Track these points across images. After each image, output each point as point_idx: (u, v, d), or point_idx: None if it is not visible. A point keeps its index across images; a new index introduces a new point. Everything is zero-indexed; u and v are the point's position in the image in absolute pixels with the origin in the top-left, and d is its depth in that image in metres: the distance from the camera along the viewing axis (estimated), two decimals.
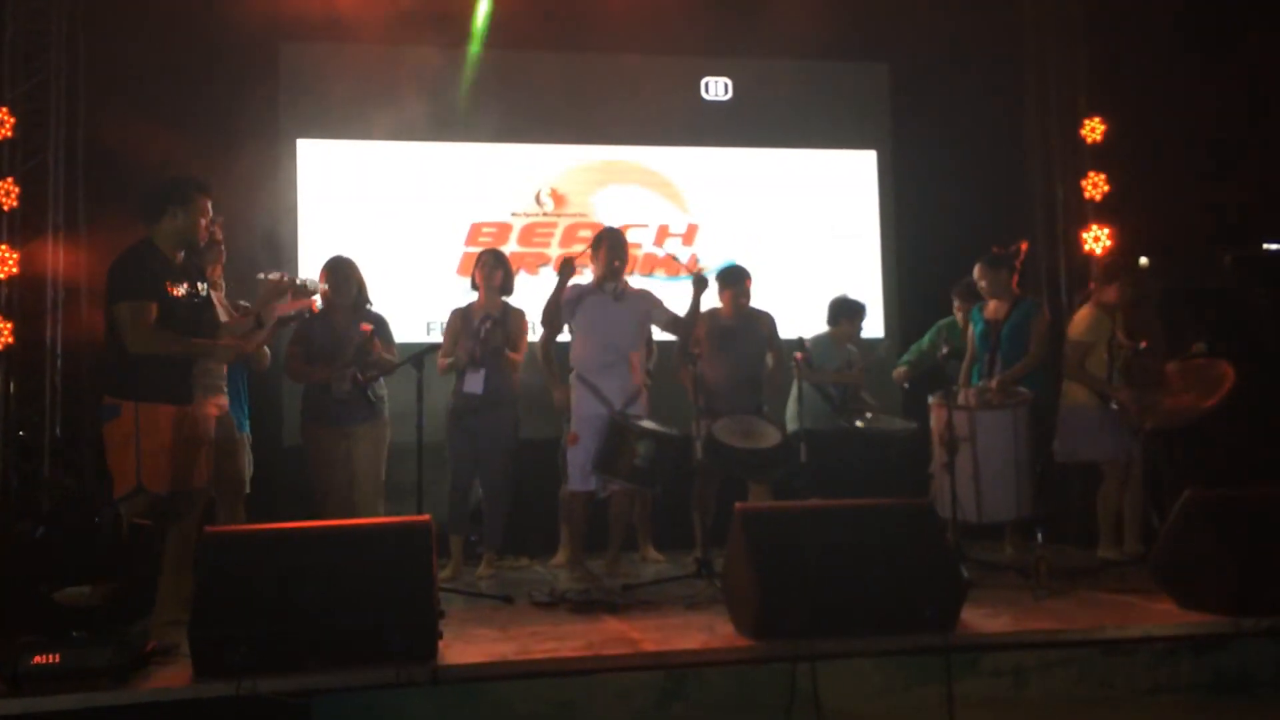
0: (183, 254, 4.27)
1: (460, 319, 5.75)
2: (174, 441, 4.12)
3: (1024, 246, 5.93)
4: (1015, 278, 5.86)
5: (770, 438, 5.52)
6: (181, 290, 4.19)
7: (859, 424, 5.98)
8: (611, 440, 5.16)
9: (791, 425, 6.20)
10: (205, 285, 4.35)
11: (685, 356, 5.48)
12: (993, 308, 5.81)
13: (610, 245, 5.48)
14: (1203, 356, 5.70)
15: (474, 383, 5.58)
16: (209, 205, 4.30)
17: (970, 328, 5.96)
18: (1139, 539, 5.71)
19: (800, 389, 6.15)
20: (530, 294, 6.45)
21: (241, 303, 5.00)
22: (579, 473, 5.34)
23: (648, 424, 5.22)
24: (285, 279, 4.60)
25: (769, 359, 6.01)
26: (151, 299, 4.08)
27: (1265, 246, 8.84)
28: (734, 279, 6.00)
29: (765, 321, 6.03)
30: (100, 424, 4.18)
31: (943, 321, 6.60)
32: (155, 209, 4.20)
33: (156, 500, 4.07)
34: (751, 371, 5.92)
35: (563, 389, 5.61)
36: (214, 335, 4.35)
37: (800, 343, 5.80)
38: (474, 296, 5.84)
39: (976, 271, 5.87)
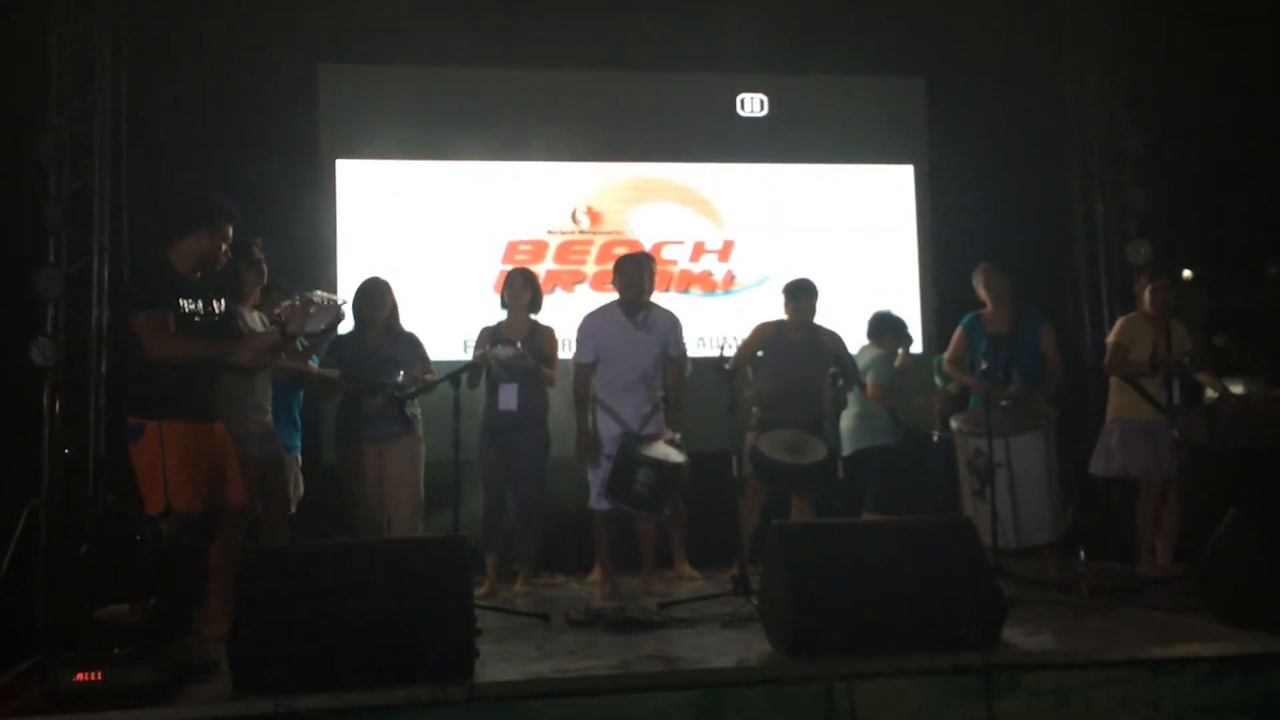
0: (199, 274, 4.29)
1: (490, 338, 5.78)
2: (200, 459, 4.13)
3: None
4: None
5: (816, 453, 5.50)
6: (197, 306, 4.20)
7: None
8: (617, 467, 5.27)
9: (849, 447, 6.16)
10: (224, 303, 4.36)
11: (722, 373, 5.46)
12: (996, 319, 5.77)
13: (626, 274, 5.59)
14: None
15: (508, 400, 5.62)
16: (231, 231, 4.32)
17: (964, 343, 5.86)
18: (1172, 556, 5.68)
19: (861, 408, 6.15)
20: (567, 311, 6.48)
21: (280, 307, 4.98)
22: (598, 492, 5.46)
23: (649, 451, 5.27)
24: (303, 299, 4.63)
25: (832, 372, 5.94)
26: (168, 309, 4.09)
27: None
28: (800, 292, 5.94)
29: (831, 339, 5.99)
30: (127, 445, 4.17)
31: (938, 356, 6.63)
32: (180, 227, 4.22)
33: (189, 520, 4.07)
34: (812, 386, 5.83)
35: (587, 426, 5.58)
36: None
37: (837, 360, 5.78)
38: (504, 315, 5.88)
39: (986, 275, 5.86)
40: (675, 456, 5.29)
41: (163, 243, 4.26)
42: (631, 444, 5.32)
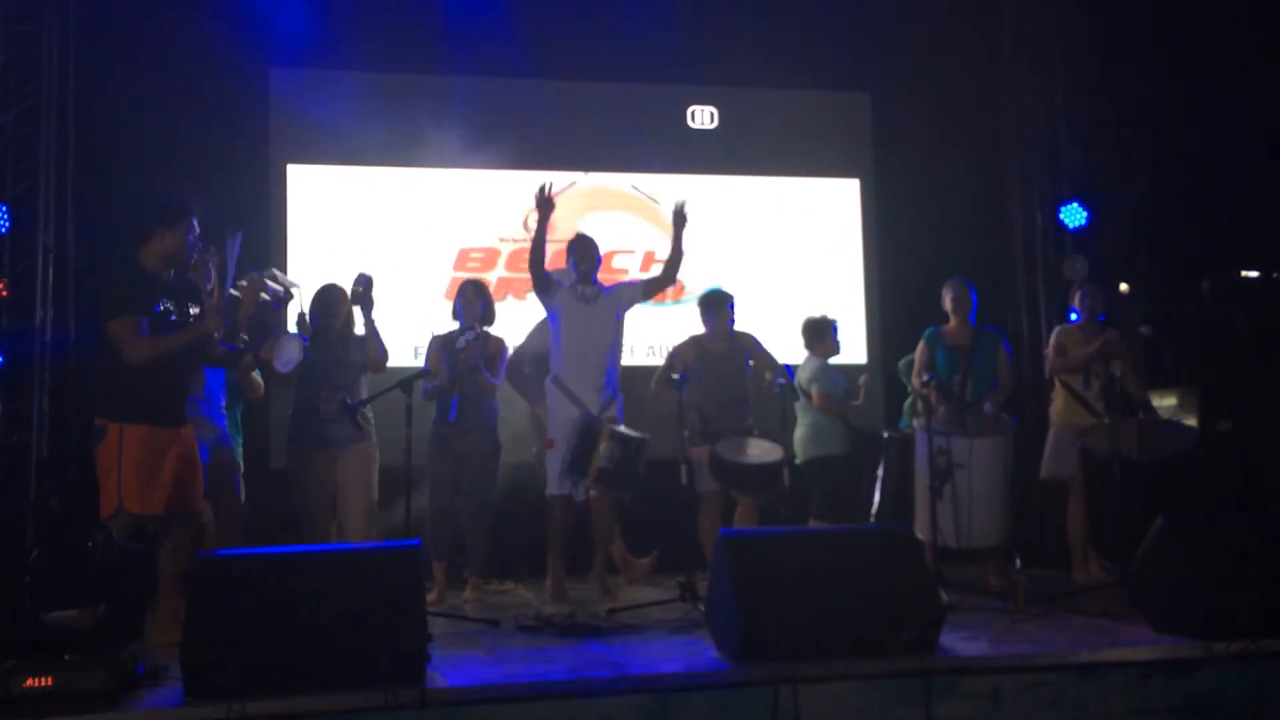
0: (172, 272, 4.33)
1: (440, 346, 5.81)
2: (158, 463, 4.15)
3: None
4: None
5: (773, 452, 5.58)
6: (169, 307, 4.24)
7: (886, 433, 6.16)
8: (581, 442, 5.31)
9: (801, 455, 6.22)
10: (198, 306, 4.39)
11: (670, 382, 5.55)
12: (958, 332, 5.90)
13: (577, 251, 5.71)
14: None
15: (456, 410, 5.65)
16: (195, 224, 4.37)
17: (926, 355, 5.92)
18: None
19: (814, 418, 6.23)
20: (519, 318, 6.52)
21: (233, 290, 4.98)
22: (555, 477, 5.51)
23: (615, 427, 5.38)
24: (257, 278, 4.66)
25: (765, 375, 6.01)
26: (141, 314, 4.15)
27: (1244, 273, 8.98)
28: (717, 303, 6.03)
29: (747, 341, 6.08)
30: (93, 446, 4.22)
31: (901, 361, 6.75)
32: (144, 232, 4.27)
33: (143, 521, 4.09)
34: (738, 393, 5.96)
35: (540, 403, 5.78)
36: (210, 355, 4.41)
37: (784, 370, 5.89)
38: (455, 326, 5.90)
39: (954, 290, 5.93)
40: (636, 434, 5.37)
41: (133, 247, 4.32)
42: (595, 421, 5.38)
